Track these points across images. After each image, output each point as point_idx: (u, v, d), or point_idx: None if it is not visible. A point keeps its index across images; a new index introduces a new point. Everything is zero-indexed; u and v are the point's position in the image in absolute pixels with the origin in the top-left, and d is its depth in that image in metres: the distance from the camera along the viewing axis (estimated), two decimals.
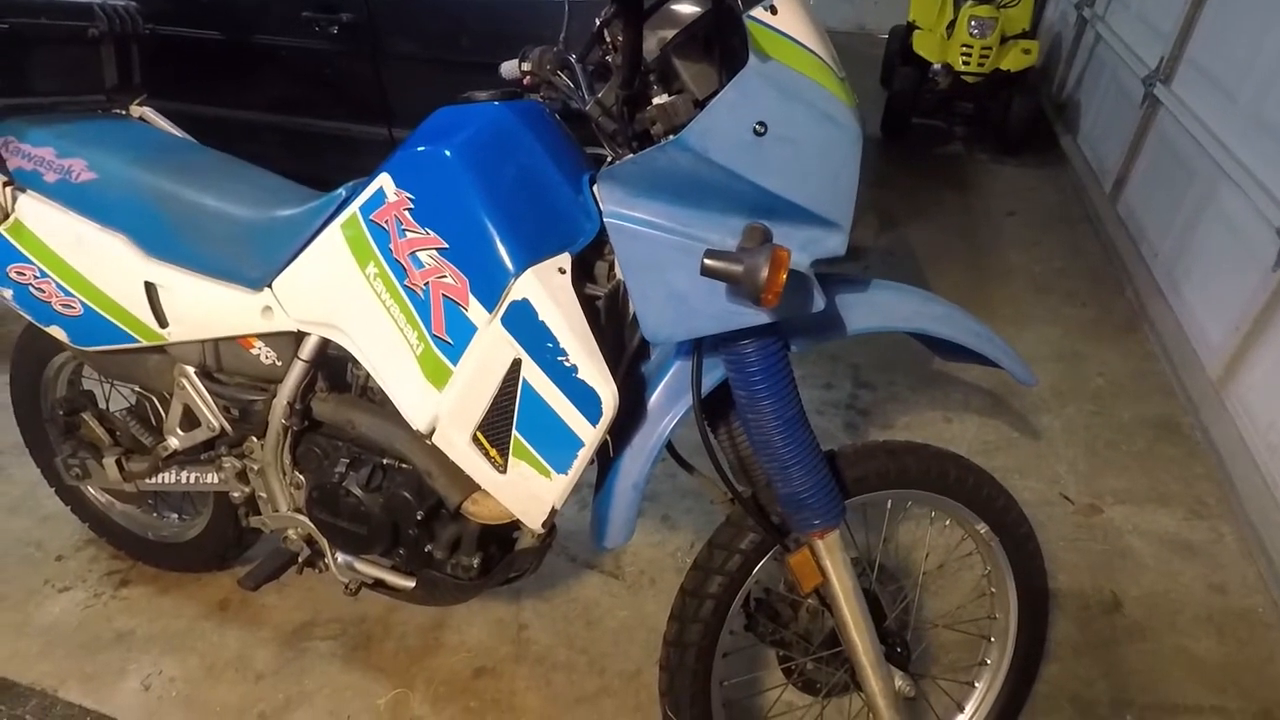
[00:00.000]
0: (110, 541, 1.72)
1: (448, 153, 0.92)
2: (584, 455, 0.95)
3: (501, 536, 1.23)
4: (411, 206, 0.95)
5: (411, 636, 1.61)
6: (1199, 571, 1.81)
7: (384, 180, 0.98)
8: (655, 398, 1.02)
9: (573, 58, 1.02)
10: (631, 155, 0.85)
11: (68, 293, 1.22)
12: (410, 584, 1.26)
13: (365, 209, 1.00)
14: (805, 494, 1.00)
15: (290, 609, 1.66)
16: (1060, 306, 2.82)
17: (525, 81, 1.13)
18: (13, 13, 1.23)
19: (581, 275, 0.98)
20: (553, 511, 1.01)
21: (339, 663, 1.57)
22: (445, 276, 0.94)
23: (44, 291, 1.23)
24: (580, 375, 0.91)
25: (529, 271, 0.90)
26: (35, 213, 1.22)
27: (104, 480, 1.45)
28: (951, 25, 3.83)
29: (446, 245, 0.93)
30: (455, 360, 0.97)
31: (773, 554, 1.11)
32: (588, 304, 0.97)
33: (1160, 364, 2.51)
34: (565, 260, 0.93)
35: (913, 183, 3.74)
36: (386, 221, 0.98)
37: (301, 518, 1.28)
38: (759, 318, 0.87)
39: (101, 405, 1.52)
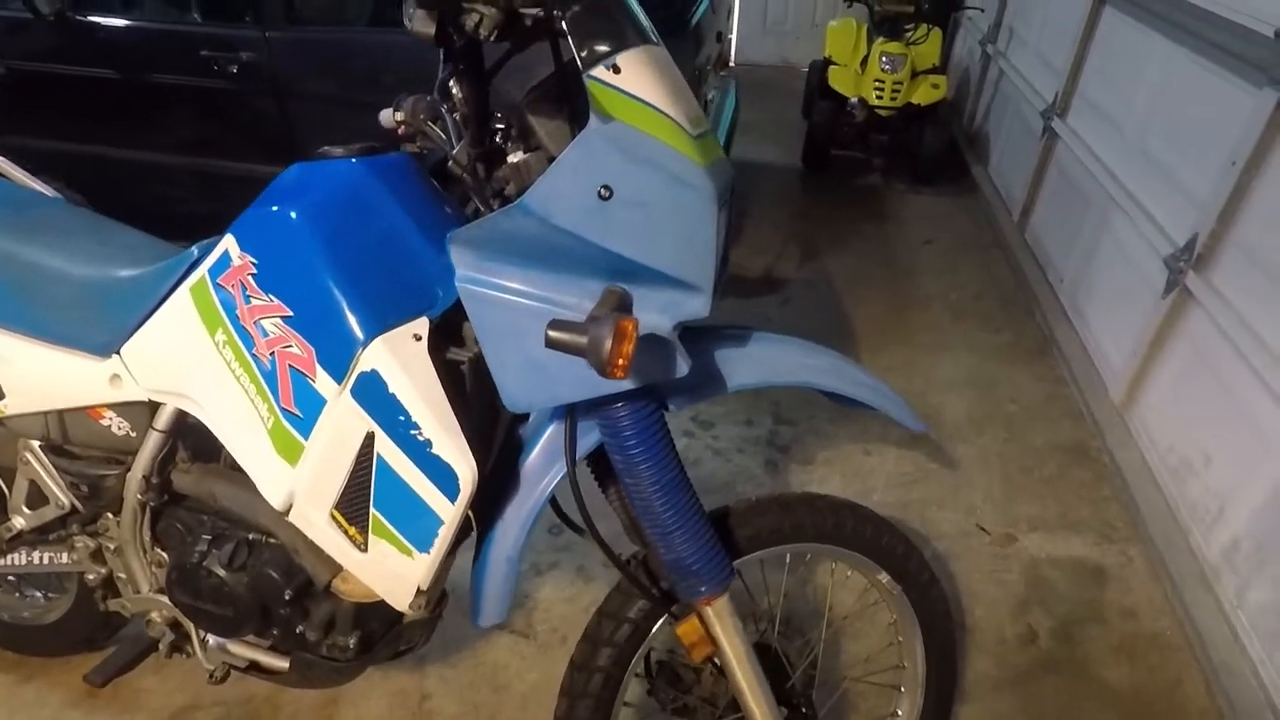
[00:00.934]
0: None
1: (293, 214, 0.86)
2: (445, 533, 0.88)
3: (384, 611, 1.15)
4: (255, 271, 0.88)
5: (303, 715, 1.50)
6: (1110, 597, 1.83)
7: (229, 242, 0.91)
8: (530, 462, 0.97)
9: (445, 107, 0.97)
10: (482, 217, 0.80)
11: None
12: (285, 665, 1.17)
13: (213, 272, 0.93)
14: (689, 560, 0.96)
15: (170, 691, 1.53)
16: (975, 332, 2.88)
17: (400, 131, 1.08)
18: None
19: (445, 339, 0.92)
20: (419, 592, 0.94)
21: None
22: (291, 346, 0.87)
23: None
24: (435, 450, 0.85)
25: (378, 340, 0.84)
26: None
27: None
28: (865, 61, 3.94)
29: (291, 313, 0.87)
30: (306, 434, 0.90)
31: (664, 620, 1.06)
32: (452, 369, 0.92)
33: (1069, 388, 2.57)
34: (422, 326, 0.88)
35: (832, 213, 3.80)
36: (232, 286, 0.91)
37: (164, 599, 1.18)
38: (621, 385, 0.83)
39: None
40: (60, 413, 1.12)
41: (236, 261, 0.90)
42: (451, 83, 0.86)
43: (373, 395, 0.85)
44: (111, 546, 1.19)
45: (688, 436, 2.24)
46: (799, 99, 4.84)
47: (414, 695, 1.55)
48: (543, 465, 0.97)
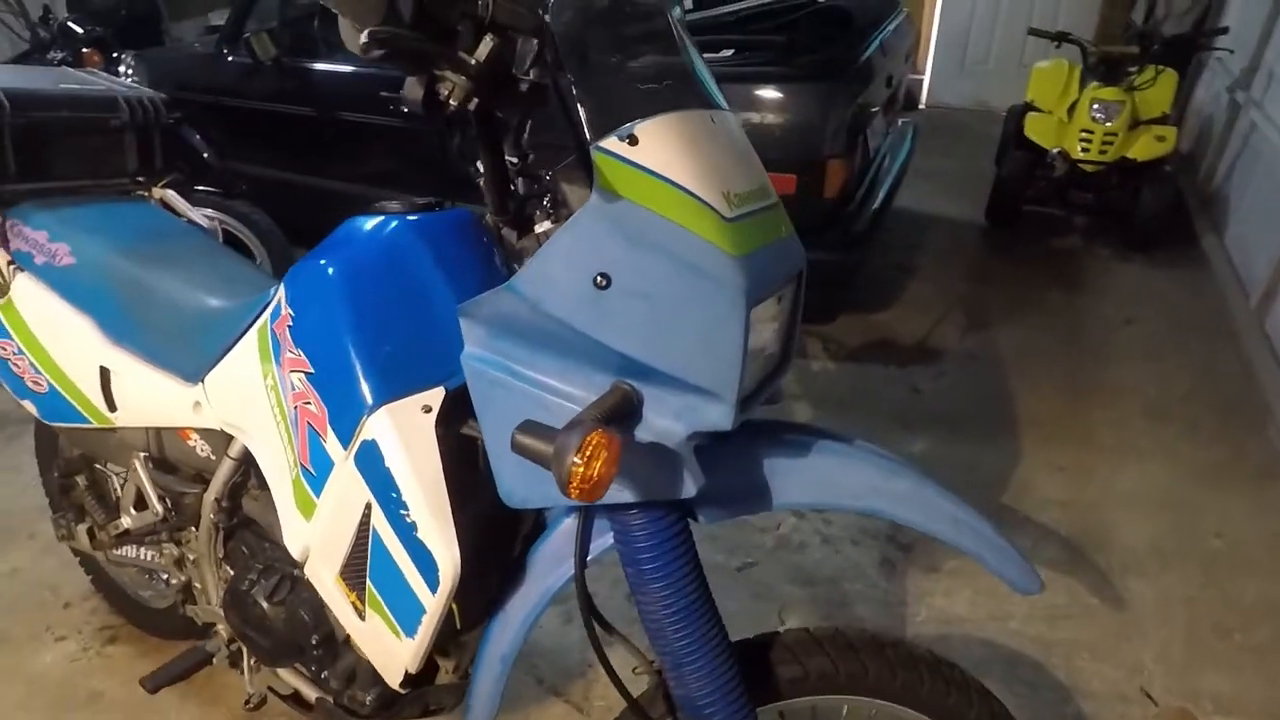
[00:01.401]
0: (105, 597, 1.76)
1: (329, 270, 0.86)
2: (428, 623, 0.83)
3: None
4: (292, 324, 0.89)
5: None
6: None
7: (281, 290, 0.93)
8: (541, 555, 0.89)
9: (470, 171, 0.93)
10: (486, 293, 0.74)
11: (37, 370, 1.26)
12: (320, 698, 1.17)
13: (271, 316, 0.96)
14: (701, 698, 0.83)
15: (261, 679, 1.61)
16: (1177, 441, 2.40)
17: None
18: (35, 107, 1.31)
19: (464, 412, 0.87)
20: (408, 674, 0.89)
21: None
22: (310, 403, 0.86)
23: (19, 367, 1.28)
24: (420, 534, 0.79)
25: (383, 409, 0.81)
26: (24, 292, 1.28)
27: (82, 544, 1.48)
28: (1073, 108, 3.50)
29: (313, 370, 0.86)
30: (317, 493, 0.88)
31: None
32: (466, 445, 0.86)
33: None
34: (435, 397, 0.83)
35: (1014, 277, 3.39)
36: (280, 334, 0.93)
37: None
38: (624, 493, 0.73)
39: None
40: (158, 430, 1.21)
41: (282, 311, 0.91)
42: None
43: (371, 466, 0.82)
44: (191, 557, 1.27)
45: (796, 516, 2.05)
46: (994, 147, 4.43)
47: None
48: (553, 560, 0.88)
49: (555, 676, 1.65)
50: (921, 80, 5.76)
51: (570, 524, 0.89)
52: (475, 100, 0.68)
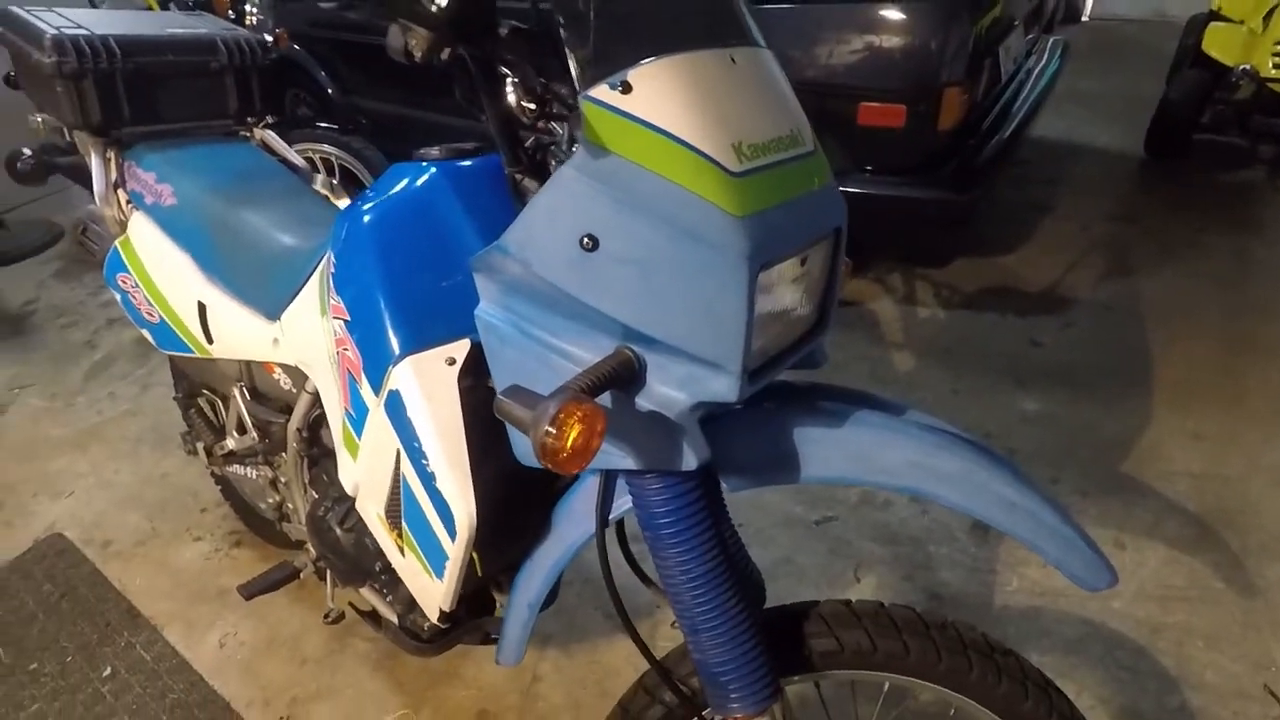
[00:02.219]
0: (231, 505, 1.96)
1: (366, 218, 0.87)
2: (451, 569, 0.85)
3: (473, 600, 1.18)
4: (334, 270, 0.91)
5: (438, 659, 1.63)
6: None
7: (333, 235, 0.95)
8: (565, 511, 0.89)
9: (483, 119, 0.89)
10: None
11: (150, 303, 1.38)
12: (386, 620, 1.26)
13: (326, 260, 0.99)
14: (718, 667, 0.81)
15: (343, 595, 1.77)
16: None
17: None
18: (140, 51, 1.39)
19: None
20: (443, 612, 0.93)
21: (369, 667, 1.64)
22: (348, 350, 0.89)
23: (136, 299, 1.40)
24: (439, 484, 0.81)
25: (407, 360, 0.82)
26: (138, 230, 1.39)
27: (202, 460, 1.65)
28: (1269, 15, 2.96)
29: (349, 318, 0.88)
30: (359, 435, 0.92)
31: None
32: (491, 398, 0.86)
33: None
34: (460, 349, 0.83)
35: (1170, 217, 2.97)
36: (327, 280, 0.96)
37: None
38: (625, 460, 0.70)
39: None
40: (248, 362, 1.30)
41: (330, 257, 0.94)
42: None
43: (397, 414, 0.84)
44: (283, 480, 1.38)
45: None
46: (1166, 64, 3.85)
47: (527, 673, 1.59)
48: (578, 516, 0.88)
49: None
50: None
51: (593, 484, 0.88)
52: (447, 50, 0.64)
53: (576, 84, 0.60)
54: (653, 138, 0.59)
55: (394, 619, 1.21)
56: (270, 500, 1.44)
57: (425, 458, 0.82)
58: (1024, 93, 2.50)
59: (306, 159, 1.60)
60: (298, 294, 1.10)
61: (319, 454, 1.29)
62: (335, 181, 2.99)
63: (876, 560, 1.76)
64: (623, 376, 0.66)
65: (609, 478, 0.81)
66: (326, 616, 1.32)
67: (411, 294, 0.84)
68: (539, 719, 1.51)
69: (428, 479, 0.82)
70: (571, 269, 0.64)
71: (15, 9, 1.39)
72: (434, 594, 0.92)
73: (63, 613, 1.81)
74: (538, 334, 0.72)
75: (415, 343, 0.83)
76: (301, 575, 1.37)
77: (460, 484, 0.81)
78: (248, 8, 2.81)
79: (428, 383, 0.81)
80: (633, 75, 0.60)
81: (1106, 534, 1.79)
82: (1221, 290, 2.58)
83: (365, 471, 0.93)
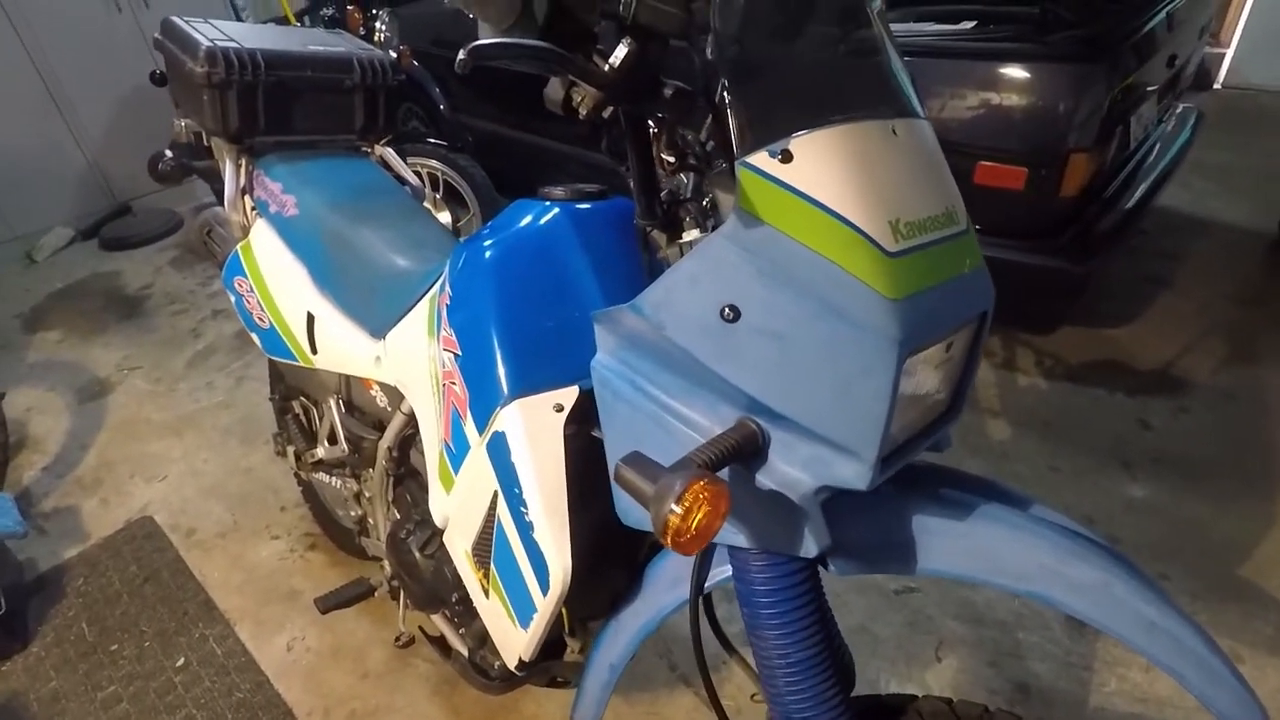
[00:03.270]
0: (310, 508, 2.00)
1: (486, 254, 0.86)
2: (539, 621, 0.82)
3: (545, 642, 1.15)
4: (449, 302, 0.91)
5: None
6: None
7: (447, 266, 0.96)
8: (658, 572, 0.85)
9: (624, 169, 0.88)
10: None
11: (262, 308, 1.42)
12: (456, 650, 1.25)
13: (440, 289, 0.99)
14: None
15: (414, 618, 1.77)
16: None
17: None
18: (283, 66, 1.45)
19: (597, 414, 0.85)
20: (521, 661, 0.90)
21: (429, 689, 1.63)
22: (454, 384, 0.88)
23: (250, 303, 1.45)
24: (535, 535, 0.78)
25: (515, 403, 0.81)
26: (260, 237, 1.44)
27: (291, 463, 1.68)
28: None
29: (460, 352, 0.87)
30: (456, 470, 0.91)
31: None
32: (597, 447, 0.84)
33: None
34: (569, 395, 0.81)
35: None
36: (440, 309, 0.96)
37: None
38: (738, 538, 0.67)
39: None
40: (348, 376, 1.32)
41: (445, 288, 0.94)
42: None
43: (499, 457, 0.82)
44: (367, 495, 1.39)
45: None
46: None
47: None
48: (670, 581, 0.84)
49: (688, 665, 1.64)
50: (1223, 54, 4.79)
51: None
52: (610, 108, 0.63)
53: (735, 148, 0.58)
54: (809, 211, 0.56)
55: (464, 651, 1.20)
56: (353, 513, 1.45)
57: (525, 505, 0.80)
58: (1151, 161, 2.37)
59: (415, 173, 1.63)
60: (405, 316, 1.11)
61: (406, 474, 1.29)
62: (439, 196, 3.06)
63: (959, 640, 1.66)
64: (745, 451, 0.62)
65: (708, 548, 0.77)
66: (397, 640, 1.32)
67: (526, 335, 0.83)
68: None
69: (524, 527, 0.81)
70: (707, 337, 0.61)
71: (176, 19, 1.47)
72: (515, 642, 0.89)
73: (145, 597, 1.87)
74: (656, 394, 0.69)
75: (525, 385, 0.81)
76: (376, 593, 1.37)
77: (558, 538, 0.78)
78: (378, 25, 2.94)
79: (534, 429, 0.80)
80: (794, 144, 0.57)
81: (1224, 641, 1.63)
82: None
83: (458, 507, 0.92)
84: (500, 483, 0.83)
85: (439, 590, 1.17)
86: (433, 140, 3.04)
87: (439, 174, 2.94)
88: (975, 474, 0.80)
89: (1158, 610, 0.70)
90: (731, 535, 0.67)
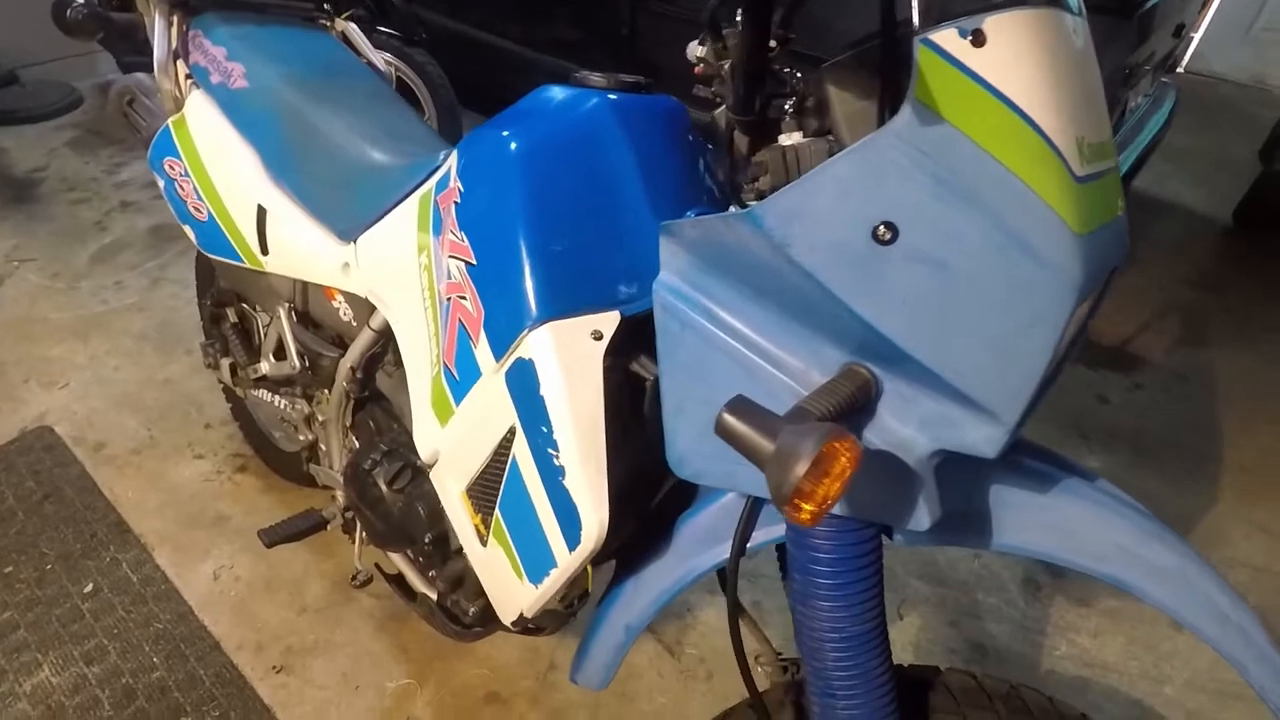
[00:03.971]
0: (241, 427, 1.81)
1: (512, 145, 0.72)
2: (556, 577, 0.72)
3: None
4: (459, 200, 0.76)
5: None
6: None
7: (452, 160, 0.80)
8: (691, 527, 0.76)
9: (717, 48, 0.75)
10: (706, 214, 0.58)
11: (200, 197, 1.22)
12: (421, 593, 1.13)
13: (437, 187, 0.84)
14: None
15: (369, 554, 1.63)
16: None
17: (696, 70, 0.89)
18: None
19: (636, 344, 0.73)
20: (521, 616, 0.80)
21: (373, 626, 1.51)
22: (465, 299, 0.75)
23: (184, 190, 1.24)
24: (566, 482, 0.67)
25: (547, 326, 0.68)
26: (197, 110, 1.22)
27: (224, 377, 1.50)
28: None
29: (475, 261, 0.73)
30: (458, 400, 0.78)
31: None
32: (633, 384, 0.73)
33: None
34: (609, 321, 0.69)
35: (1254, 292, 2.86)
36: (444, 210, 0.81)
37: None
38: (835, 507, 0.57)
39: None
40: (305, 283, 1.15)
41: (451, 183, 0.79)
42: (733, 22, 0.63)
43: (523, 388, 0.70)
44: (320, 418, 1.24)
45: None
46: (1260, 134, 3.69)
47: (544, 660, 1.48)
48: (704, 537, 0.75)
49: None
50: (1191, 38, 4.82)
51: (731, 503, 0.74)
52: None
53: (915, 19, 0.46)
54: (1000, 111, 0.46)
55: (431, 595, 1.09)
56: (301, 437, 1.30)
57: (555, 447, 0.68)
58: (1135, 139, 2.34)
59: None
60: (383, 217, 0.96)
61: (369, 397, 1.15)
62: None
63: (921, 599, 1.66)
64: (858, 403, 0.52)
65: (757, 503, 0.68)
66: (354, 579, 1.19)
67: (562, 245, 0.70)
68: (553, 712, 1.40)
69: (552, 471, 0.69)
70: (847, 260, 0.50)
71: None
72: (518, 597, 0.79)
73: (45, 515, 1.66)
74: (736, 326, 0.58)
75: (558, 307, 0.69)
76: (328, 527, 1.23)
77: (594, 486, 0.67)
78: None
79: (569, 358, 0.67)
80: (990, 24, 0.45)
81: (1163, 614, 1.69)
82: None
83: (455, 442, 0.79)
84: (521, 418, 0.70)
85: (408, 529, 1.05)
86: (385, 29, 2.74)
87: (392, 68, 2.66)
88: (1046, 446, 0.74)
89: (1230, 602, 0.68)
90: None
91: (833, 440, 0.43)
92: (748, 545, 0.70)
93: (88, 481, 1.74)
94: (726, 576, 0.70)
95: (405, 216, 0.90)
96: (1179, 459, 2.09)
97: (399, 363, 1.11)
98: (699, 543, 0.75)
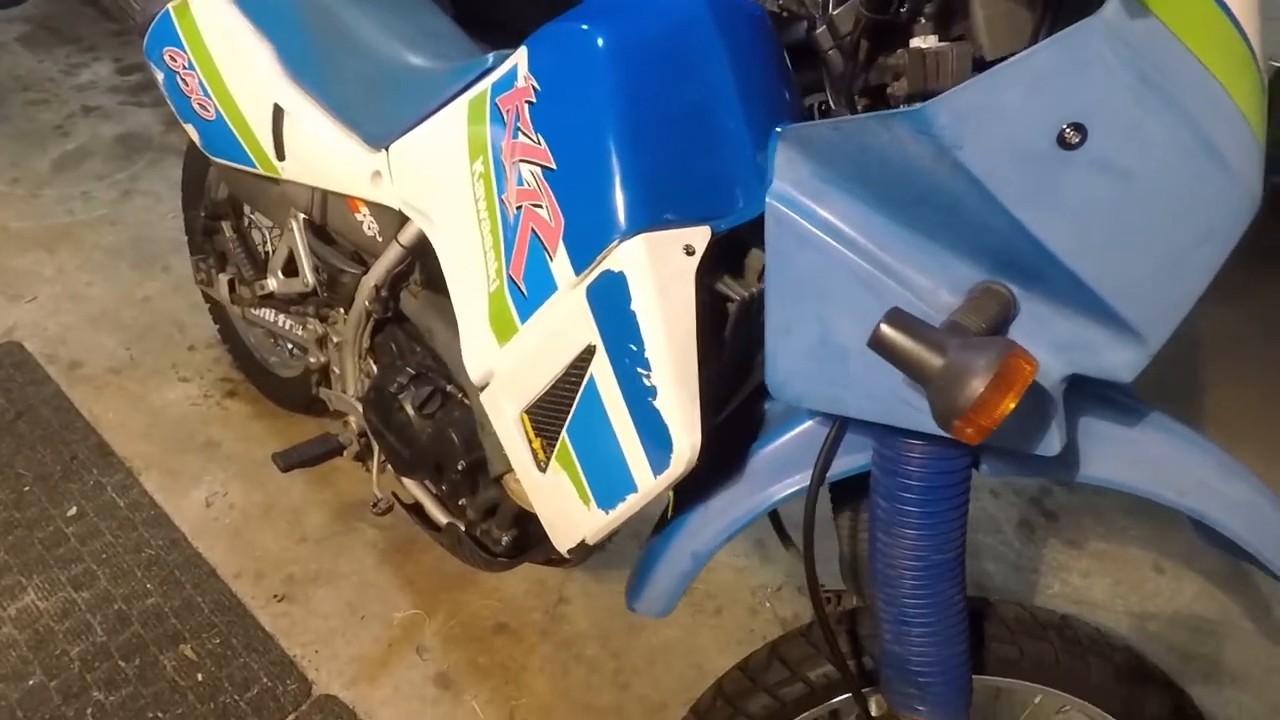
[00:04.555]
0: (230, 351, 1.73)
1: (600, 40, 0.66)
2: (633, 503, 0.69)
3: None
4: (533, 100, 0.70)
5: (452, 559, 1.49)
6: None
7: (520, 56, 0.74)
8: (766, 455, 0.74)
9: None
10: (840, 117, 0.54)
11: (206, 93, 1.12)
12: (442, 523, 1.10)
13: (496, 88, 0.78)
14: (920, 670, 0.69)
15: (359, 481, 1.59)
16: None
17: None
18: None
19: (722, 263, 0.69)
20: (582, 543, 0.77)
21: (377, 556, 1.48)
22: (541, 207, 0.69)
23: (187, 85, 1.14)
24: (657, 403, 0.64)
25: (640, 237, 0.63)
26: None
27: (220, 294, 1.41)
28: None
29: (554, 166, 0.68)
30: (524, 317, 0.73)
31: (848, 699, 0.82)
32: (717, 305, 0.69)
33: None
34: (701, 236, 0.65)
35: (1233, 260, 2.91)
36: (508, 111, 0.75)
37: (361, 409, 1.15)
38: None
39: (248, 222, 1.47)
40: (325, 193, 1.08)
41: (520, 82, 0.73)
42: None
43: (609, 304, 0.65)
44: (335, 340, 1.18)
45: None
46: None
47: (553, 593, 1.47)
48: (779, 466, 0.73)
49: None
50: None
51: (810, 431, 0.72)
52: None
53: None
54: (1210, 10, 0.42)
55: (460, 525, 1.05)
56: (312, 360, 1.23)
57: (645, 366, 0.64)
58: None
59: None
60: (422, 123, 0.89)
61: (391, 319, 1.09)
62: None
63: None
64: (1002, 322, 0.50)
65: (843, 426, 0.66)
66: (374, 506, 1.15)
67: (657, 152, 0.65)
68: (563, 643, 1.40)
69: (640, 393, 0.65)
70: (1025, 164, 0.46)
71: None
72: (579, 524, 0.76)
73: (19, 434, 1.57)
74: (861, 242, 0.55)
75: (653, 217, 0.64)
76: (345, 453, 1.19)
77: (687, 408, 0.64)
78: None
79: (664, 273, 0.63)
80: None
81: (1147, 556, 1.76)
82: (1273, 343, 2.54)
83: (517, 361, 0.75)
84: (605, 337, 0.66)
85: (439, 455, 1.01)
86: None
87: None
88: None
89: None
90: None
91: (1014, 355, 0.41)
92: (827, 473, 0.69)
93: (64, 401, 1.66)
94: (805, 504, 0.68)
95: (453, 120, 0.84)
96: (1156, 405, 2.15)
97: (426, 282, 1.05)
98: (774, 472, 0.73)
